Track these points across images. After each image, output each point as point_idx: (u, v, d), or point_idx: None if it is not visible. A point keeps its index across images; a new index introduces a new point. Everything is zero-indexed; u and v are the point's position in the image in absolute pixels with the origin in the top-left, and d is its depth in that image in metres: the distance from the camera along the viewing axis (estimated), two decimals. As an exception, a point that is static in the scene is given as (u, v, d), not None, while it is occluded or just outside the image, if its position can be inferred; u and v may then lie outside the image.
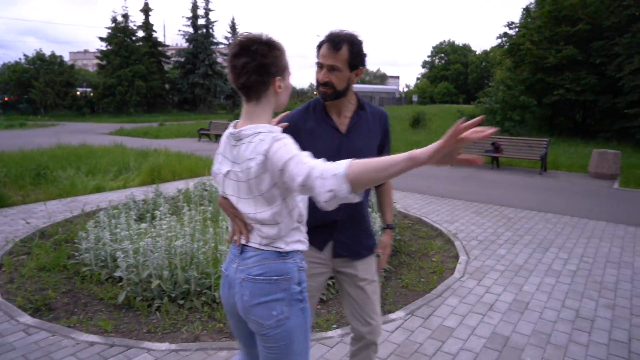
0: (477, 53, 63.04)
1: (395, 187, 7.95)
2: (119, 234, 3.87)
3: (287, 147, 1.29)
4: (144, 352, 2.68)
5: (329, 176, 1.14)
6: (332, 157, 1.70)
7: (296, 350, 1.41)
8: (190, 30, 38.70)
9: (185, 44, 39.50)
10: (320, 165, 1.19)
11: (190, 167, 9.08)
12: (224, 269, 1.54)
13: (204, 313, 3.18)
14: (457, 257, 4.47)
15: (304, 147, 1.78)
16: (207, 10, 38.70)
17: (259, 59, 1.35)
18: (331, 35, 1.70)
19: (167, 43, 41.14)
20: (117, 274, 3.48)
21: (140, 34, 35.90)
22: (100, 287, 3.58)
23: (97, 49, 35.39)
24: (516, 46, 19.20)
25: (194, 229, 4.21)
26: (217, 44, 39.92)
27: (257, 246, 1.42)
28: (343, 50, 1.68)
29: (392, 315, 3.19)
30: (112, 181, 7.75)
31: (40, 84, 31.98)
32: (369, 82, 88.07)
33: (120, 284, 3.53)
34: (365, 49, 1.75)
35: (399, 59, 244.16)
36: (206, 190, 6.04)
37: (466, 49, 65.73)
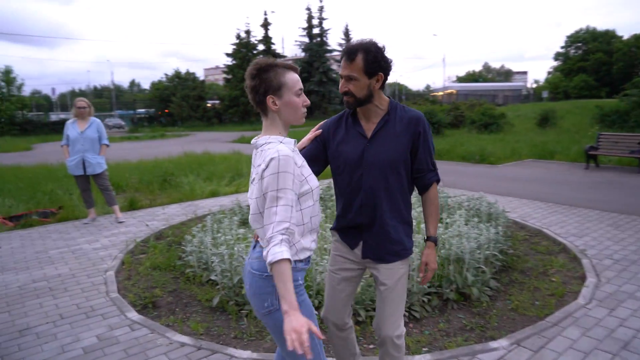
0: (624, 38, 54.79)
1: (512, 194, 7.17)
2: (219, 239, 4.04)
3: (276, 179, 1.47)
4: (226, 358, 2.70)
5: (266, 250, 1.41)
6: (356, 162, 1.90)
7: None
8: (306, 40, 40.30)
9: (302, 54, 41.24)
10: (270, 231, 1.42)
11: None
12: (247, 256, 1.84)
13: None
14: (583, 278, 3.79)
15: (332, 154, 1.98)
16: (321, 20, 39.91)
17: (249, 82, 1.61)
18: (346, 47, 1.82)
19: (286, 54, 43.39)
20: (213, 277, 3.62)
21: (261, 47, 38.44)
22: (200, 289, 3.76)
23: (224, 64, 38.80)
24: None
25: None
26: (331, 51, 40.93)
27: (262, 244, 1.62)
28: (357, 59, 1.77)
29: (493, 344, 2.77)
30: (227, 187, 8.28)
31: (177, 99, 36.16)
32: (491, 80, 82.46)
33: (218, 287, 3.66)
34: (386, 54, 1.81)
35: (526, 53, 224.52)
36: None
37: (610, 35, 57.54)
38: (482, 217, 4.80)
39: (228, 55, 37.94)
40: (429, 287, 3.41)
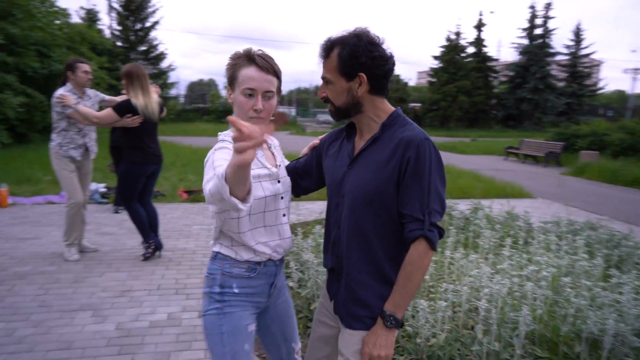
0: None
1: None
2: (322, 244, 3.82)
3: (210, 159, 1.41)
4: (252, 377, 2.47)
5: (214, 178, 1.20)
6: (336, 188, 1.51)
7: (210, 346, 1.51)
8: (525, 41, 36.25)
9: (518, 57, 37.33)
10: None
11: (463, 186, 8.40)
12: None
13: None
14: None
15: (324, 173, 1.63)
16: (546, 19, 35.21)
17: None
18: (323, 41, 1.42)
19: (500, 57, 40.01)
20: (290, 284, 3.44)
21: (471, 49, 36.34)
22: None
23: (429, 67, 38.19)
24: None
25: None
26: (554, 54, 35.84)
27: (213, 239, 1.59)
28: (332, 56, 1.39)
29: None
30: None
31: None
32: None
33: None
34: (374, 49, 1.34)
35: None
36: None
37: None
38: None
39: (435, 57, 37.13)
40: (542, 365, 2.50)
